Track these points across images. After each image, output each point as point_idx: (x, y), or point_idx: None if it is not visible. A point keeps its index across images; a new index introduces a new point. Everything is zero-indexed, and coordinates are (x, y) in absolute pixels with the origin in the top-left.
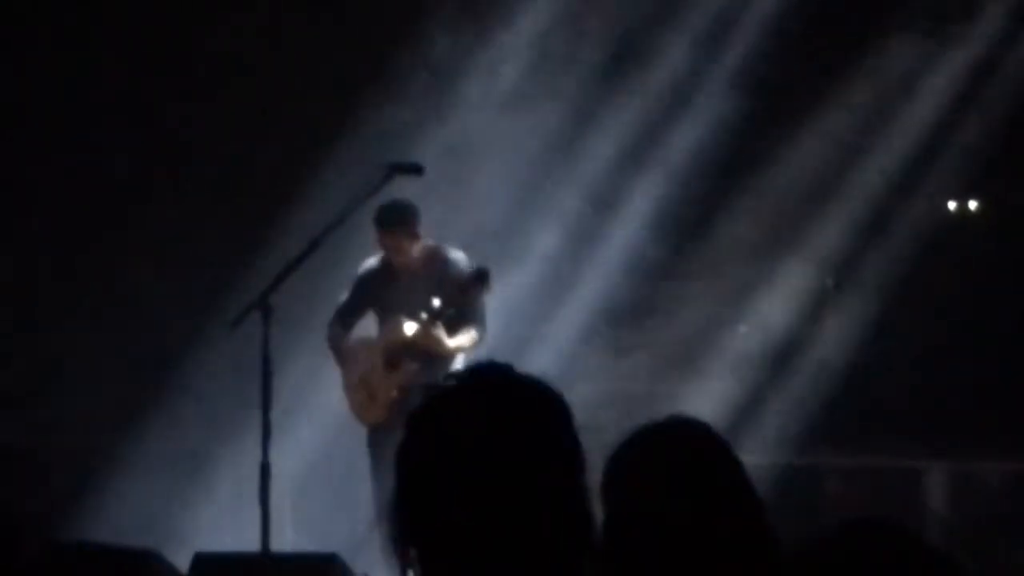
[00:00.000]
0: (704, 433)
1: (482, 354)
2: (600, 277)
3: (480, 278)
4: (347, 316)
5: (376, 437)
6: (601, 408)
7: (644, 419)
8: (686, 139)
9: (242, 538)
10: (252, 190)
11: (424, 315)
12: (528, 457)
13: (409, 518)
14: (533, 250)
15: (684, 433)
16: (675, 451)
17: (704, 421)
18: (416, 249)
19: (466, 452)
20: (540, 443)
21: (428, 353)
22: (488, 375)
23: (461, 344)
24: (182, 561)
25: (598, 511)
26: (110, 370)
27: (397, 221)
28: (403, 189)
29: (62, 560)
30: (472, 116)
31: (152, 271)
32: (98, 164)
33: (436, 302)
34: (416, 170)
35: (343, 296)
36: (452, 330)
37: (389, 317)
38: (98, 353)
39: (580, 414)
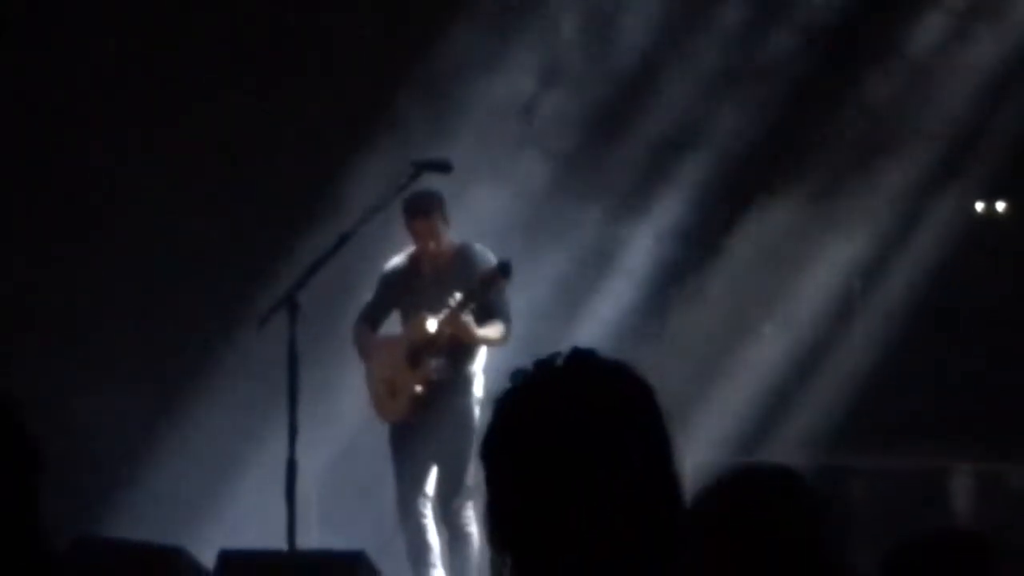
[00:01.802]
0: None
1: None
2: (625, 276)
3: (503, 271)
4: (373, 314)
5: (399, 434)
6: None
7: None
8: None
9: (268, 535)
10: (280, 188)
11: (447, 310)
12: (622, 447)
13: (499, 511)
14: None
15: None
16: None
17: (787, 468)
18: (443, 243)
19: (550, 440)
20: (633, 432)
21: (452, 348)
22: (576, 359)
23: (488, 335)
24: (208, 558)
25: None
26: (137, 368)
27: (429, 207)
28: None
29: (90, 557)
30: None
31: (179, 269)
32: (124, 161)
33: (458, 295)
34: (444, 167)
35: (369, 295)
36: (477, 322)
37: (414, 314)
38: (125, 351)
39: None
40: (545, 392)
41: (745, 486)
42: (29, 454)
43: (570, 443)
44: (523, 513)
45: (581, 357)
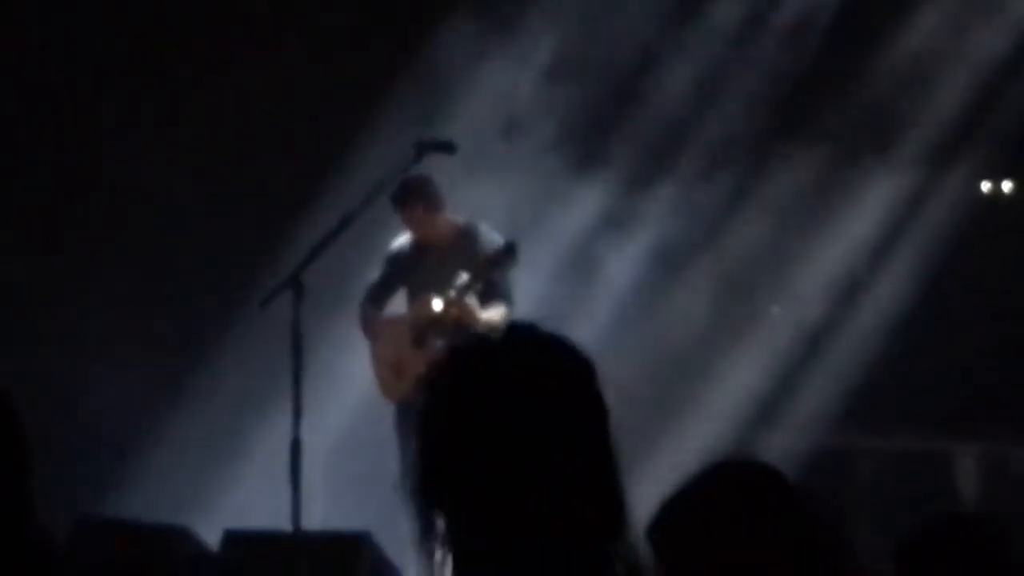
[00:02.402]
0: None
1: None
2: (630, 254)
3: (508, 252)
4: (377, 294)
5: (403, 414)
6: (633, 383)
7: (678, 397)
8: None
9: (273, 515)
10: (283, 167)
11: (452, 291)
12: (554, 416)
13: (432, 481)
14: (565, 227)
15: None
16: (739, 502)
17: (774, 469)
18: (444, 225)
19: (490, 411)
20: (566, 402)
21: (457, 328)
22: (512, 333)
23: (491, 318)
24: (213, 538)
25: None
26: (141, 348)
27: (409, 196)
28: (438, 167)
29: (94, 537)
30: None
31: (183, 248)
32: (126, 140)
33: (464, 276)
34: (448, 148)
35: (373, 274)
36: (482, 303)
37: (419, 294)
38: (129, 331)
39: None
40: (480, 365)
41: (726, 484)
42: (16, 436)
43: (504, 414)
44: (454, 480)
45: (519, 331)
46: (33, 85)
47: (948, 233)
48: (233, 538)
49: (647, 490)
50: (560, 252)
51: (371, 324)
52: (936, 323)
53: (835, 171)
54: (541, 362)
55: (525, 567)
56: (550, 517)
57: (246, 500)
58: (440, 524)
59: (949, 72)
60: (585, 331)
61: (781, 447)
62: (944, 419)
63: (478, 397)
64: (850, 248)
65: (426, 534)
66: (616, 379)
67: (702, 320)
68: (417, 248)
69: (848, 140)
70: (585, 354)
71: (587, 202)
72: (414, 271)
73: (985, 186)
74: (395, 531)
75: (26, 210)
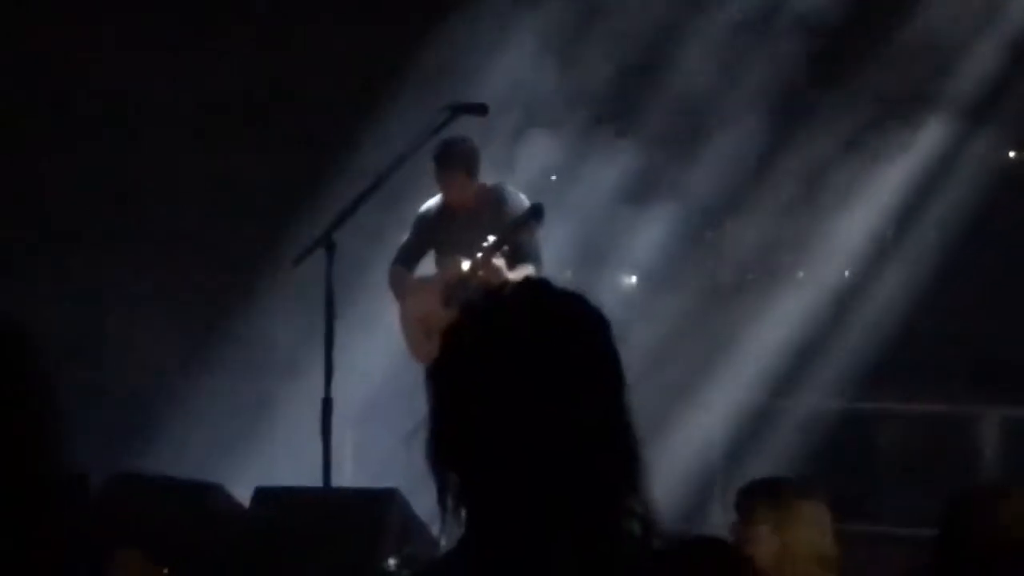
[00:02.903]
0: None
1: None
2: (656, 220)
3: (534, 213)
4: (408, 256)
5: None
6: (658, 348)
7: (703, 361)
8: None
9: (303, 473)
10: (316, 127)
11: (479, 252)
12: (567, 371)
13: (446, 437)
14: (593, 196)
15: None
16: None
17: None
18: (473, 189)
19: (503, 365)
20: (580, 357)
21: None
22: (525, 288)
23: (518, 279)
24: (244, 495)
25: None
26: (175, 306)
27: (453, 158)
28: (468, 129)
29: (128, 492)
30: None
31: (216, 208)
32: (156, 105)
33: (491, 238)
34: (480, 110)
35: (404, 236)
36: (509, 265)
37: (448, 256)
38: (163, 289)
39: (639, 354)
40: (493, 320)
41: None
42: (43, 385)
43: (516, 368)
44: (468, 438)
45: (532, 286)
46: (52, 43)
47: (975, 199)
48: (264, 495)
49: (674, 450)
50: (586, 216)
51: (401, 285)
52: (961, 288)
53: (864, 134)
54: (554, 317)
55: (539, 522)
56: (563, 472)
57: (277, 457)
58: (454, 480)
59: (982, 39)
60: (607, 299)
61: (806, 410)
62: (968, 382)
63: (491, 351)
64: (876, 211)
65: (442, 492)
66: (642, 343)
67: (726, 284)
68: (446, 211)
69: (879, 104)
70: (599, 310)
71: (613, 168)
72: (443, 233)
73: (1012, 153)
74: (424, 489)
75: (53, 165)
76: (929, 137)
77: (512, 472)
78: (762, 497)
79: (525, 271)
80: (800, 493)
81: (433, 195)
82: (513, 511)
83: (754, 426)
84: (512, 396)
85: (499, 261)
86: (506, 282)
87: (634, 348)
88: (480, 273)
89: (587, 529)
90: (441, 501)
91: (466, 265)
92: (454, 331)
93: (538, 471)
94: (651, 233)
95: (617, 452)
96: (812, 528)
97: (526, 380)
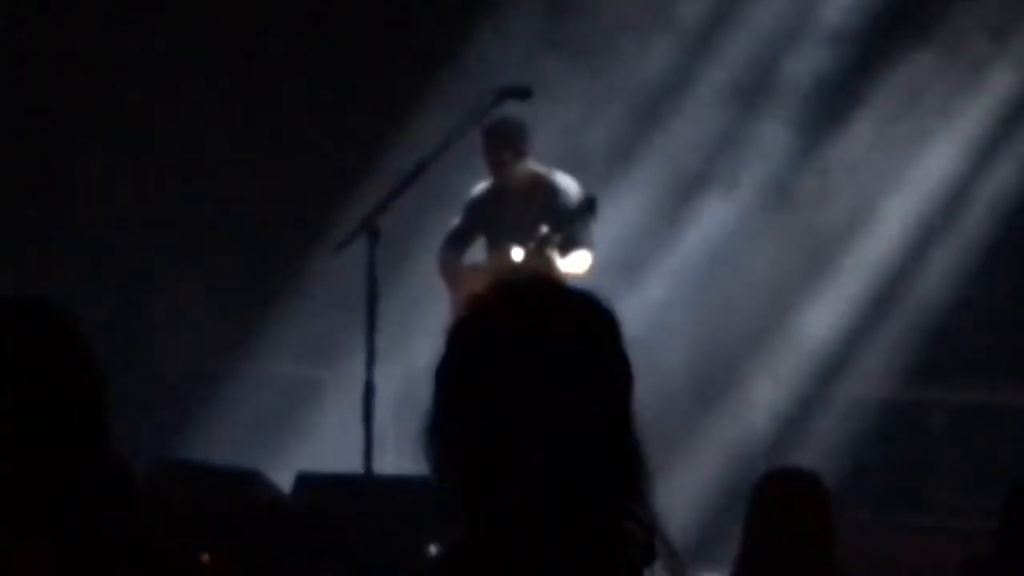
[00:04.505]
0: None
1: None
2: (704, 206)
3: (588, 206)
4: (458, 241)
5: None
6: (701, 336)
7: (747, 350)
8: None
9: (345, 459)
10: (360, 112)
11: (532, 243)
12: (573, 370)
13: (448, 436)
14: (640, 176)
15: None
16: None
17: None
18: (523, 172)
19: (507, 365)
20: (586, 356)
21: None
22: (532, 287)
23: (572, 268)
24: (286, 481)
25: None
26: (216, 292)
27: (502, 136)
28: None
29: (170, 478)
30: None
31: (260, 194)
32: (198, 92)
33: (544, 228)
34: (525, 94)
35: (454, 221)
36: (562, 253)
37: (498, 242)
38: (205, 275)
39: (682, 340)
40: (499, 316)
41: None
42: (85, 363)
43: (521, 367)
44: (474, 439)
45: (542, 284)
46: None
47: (1022, 185)
48: (305, 481)
49: (719, 432)
50: (635, 202)
51: (451, 272)
52: (1010, 275)
53: (911, 114)
54: (562, 315)
55: (540, 523)
56: (565, 473)
57: (319, 443)
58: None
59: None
60: (656, 288)
61: (853, 399)
62: (1017, 372)
63: (495, 349)
64: (925, 194)
65: (443, 490)
66: (688, 329)
67: (773, 270)
68: (496, 196)
69: (928, 83)
70: (608, 308)
71: (663, 151)
72: (493, 219)
73: None
74: None
75: (91, 155)
76: (978, 115)
77: (514, 473)
78: None
79: (579, 256)
80: None
81: (479, 180)
82: (514, 512)
83: (800, 415)
84: (516, 395)
85: (551, 252)
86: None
87: (679, 335)
88: (532, 264)
89: (589, 531)
90: (442, 499)
91: (518, 254)
92: (458, 328)
93: (540, 472)
94: (700, 219)
95: (620, 454)
96: None
97: (530, 380)
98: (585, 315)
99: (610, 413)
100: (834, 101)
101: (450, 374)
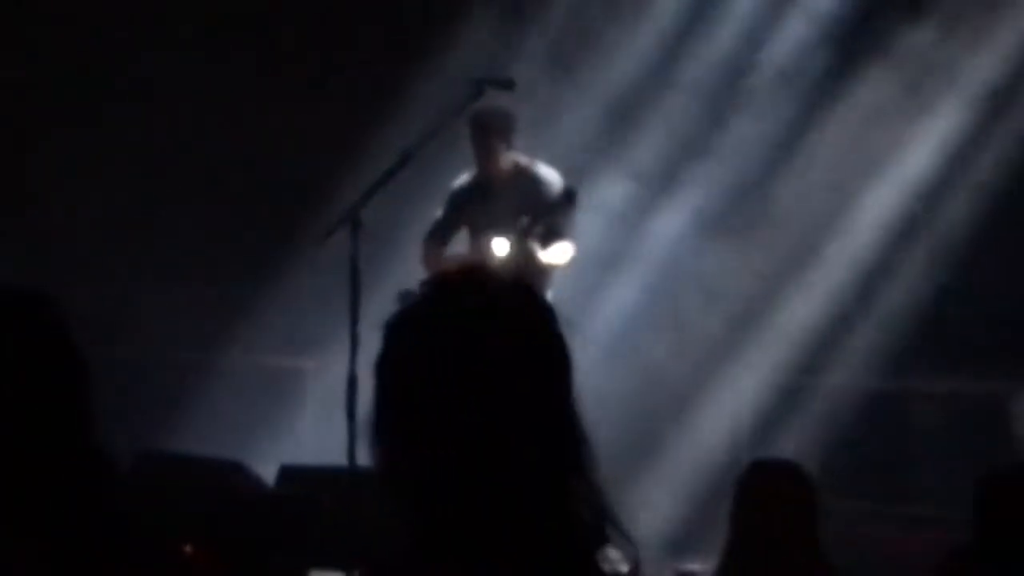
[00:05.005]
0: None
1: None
2: (691, 196)
3: (568, 198)
4: (441, 232)
5: None
6: (682, 324)
7: (730, 339)
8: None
9: (328, 451)
10: (342, 103)
11: (513, 235)
12: (509, 360)
13: (388, 424)
14: (625, 165)
15: None
16: None
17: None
18: (507, 162)
19: (443, 358)
20: (521, 346)
21: (520, 271)
22: (466, 280)
23: (554, 259)
24: (269, 473)
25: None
26: (199, 283)
27: (492, 126)
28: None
29: (153, 470)
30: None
31: (241, 184)
32: (185, 74)
33: (525, 220)
34: (507, 85)
35: (437, 212)
36: (544, 244)
37: (481, 234)
38: (187, 266)
39: (663, 332)
40: (433, 311)
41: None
42: (70, 353)
43: (457, 359)
44: (410, 431)
45: (473, 275)
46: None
47: (1005, 174)
48: (289, 473)
49: (700, 428)
50: (609, 196)
51: (435, 263)
52: (993, 264)
53: (892, 109)
54: (495, 307)
55: (481, 505)
56: (506, 460)
57: (302, 435)
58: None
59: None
60: (636, 276)
61: (835, 390)
62: (1001, 362)
63: (432, 343)
64: (906, 186)
65: (385, 483)
66: (671, 320)
67: (754, 263)
68: (479, 187)
69: (909, 77)
70: (542, 298)
71: (638, 148)
72: (476, 210)
73: None
74: None
75: (83, 144)
76: (959, 112)
77: (454, 463)
78: None
79: (560, 247)
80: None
81: (462, 170)
82: (457, 501)
83: (783, 405)
84: (453, 387)
85: (532, 246)
86: (553, 267)
87: (660, 327)
88: (515, 255)
89: (534, 515)
90: (384, 493)
91: (501, 246)
92: (396, 323)
93: (480, 460)
94: (683, 204)
95: (562, 438)
96: None
97: (467, 371)
98: (516, 302)
99: (547, 398)
100: (813, 95)
101: (386, 368)
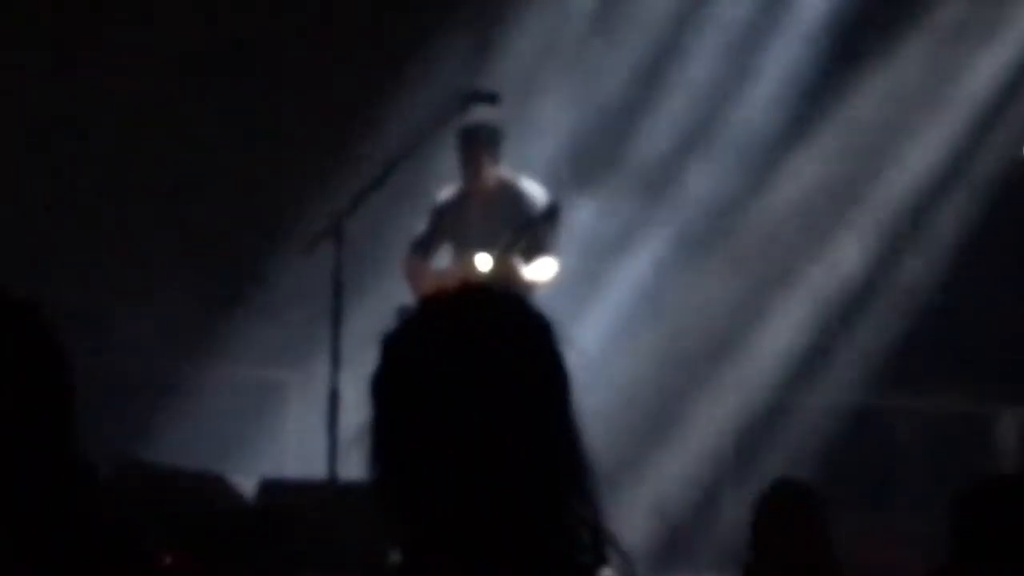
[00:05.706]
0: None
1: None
2: (677, 209)
3: (551, 213)
4: (424, 245)
5: None
6: (670, 343)
7: (716, 358)
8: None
9: (309, 464)
10: (326, 114)
11: (497, 250)
12: (507, 377)
13: (386, 448)
14: (603, 186)
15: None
16: None
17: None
18: (491, 177)
19: (441, 376)
20: (520, 363)
21: (502, 286)
22: (465, 296)
23: (537, 275)
24: (249, 485)
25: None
26: (181, 294)
27: (480, 141)
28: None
29: (132, 480)
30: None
31: (224, 194)
32: (164, 86)
33: (508, 235)
34: (492, 99)
35: (420, 225)
36: (527, 259)
37: (464, 247)
38: (169, 277)
39: (648, 350)
40: (433, 327)
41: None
42: (58, 361)
43: (456, 377)
44: (408, 449)
45: (471, 291)
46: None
47: (991, 195)
48: (269, 486)
49: (686, 445)
50: (598, 209)
51: (418, 278)
52: (977, 285)
53: (879, 130)
54: (494, 323)
55: (483, 531)
56: (506, 480)
57: (283, 448)
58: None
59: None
60: (621, 295)
61: (820, 407)
62: (985, 380)
63: (430, 360)
64: (889, 208)
65: (382, 502)
66: (654, 339)
67: (739, 282)
68: (462, 200)
69: (895, 98)
70: (540, 314)
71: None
72: (460, 224)
73: None
74: None
75: (65, 154)
76: (945, 131)
77: (454, 482)
78: None
79: (544, 263)
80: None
81: (445, 183)
82: (456, 521)
83: (768, 423)
84: (453, 404)
85: (514, 261)
86: (537, 282)
87: (644, 346)
88: (498, 271)
89: (535, 532)
90: (381, 511)
91: (484, 262)
92: (393, 340)
93: (480, 480)
94: (669, 221)
95: (562, 457)
96: None
97: (466, 389)
98: (517, 320)
99: (546, 416)
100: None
101: (385, 386)
